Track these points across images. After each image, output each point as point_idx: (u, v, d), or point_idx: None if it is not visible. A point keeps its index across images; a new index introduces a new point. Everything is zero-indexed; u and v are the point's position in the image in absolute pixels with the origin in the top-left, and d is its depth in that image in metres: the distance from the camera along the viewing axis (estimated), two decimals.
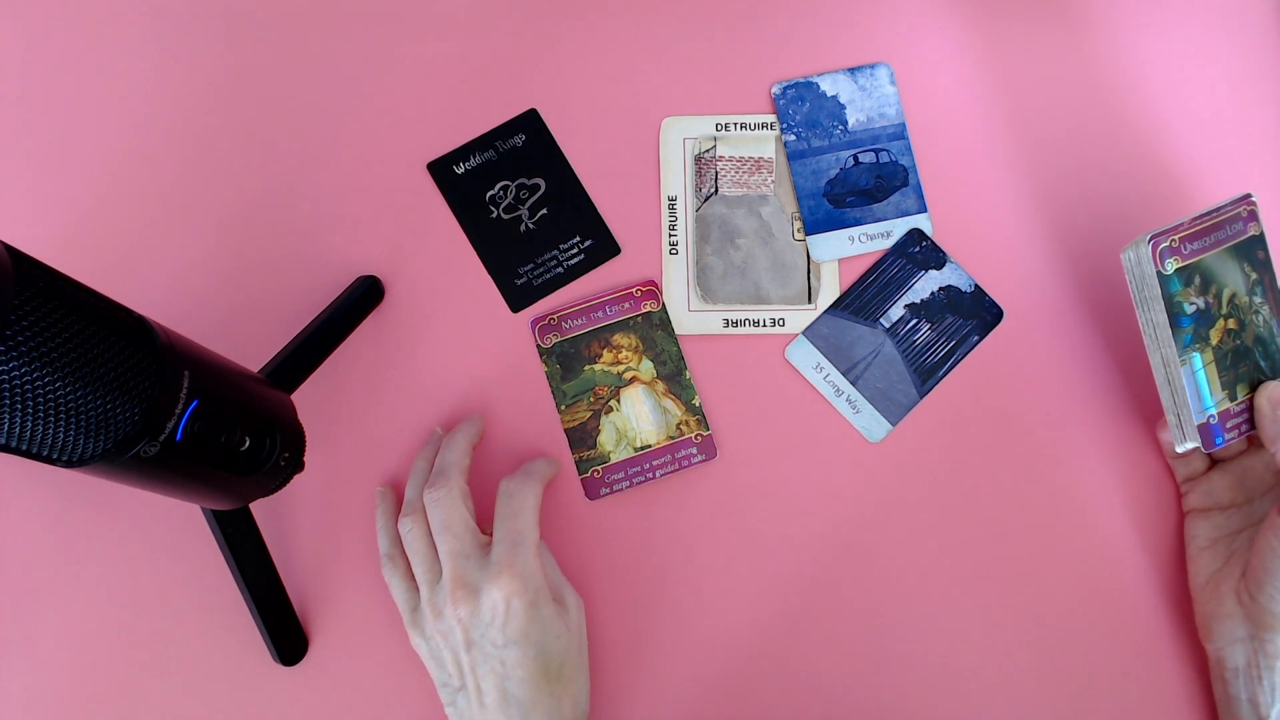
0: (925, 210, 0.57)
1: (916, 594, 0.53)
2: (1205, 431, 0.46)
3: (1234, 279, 0.47)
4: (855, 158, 0.58)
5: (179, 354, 0.38)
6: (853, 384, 0.55)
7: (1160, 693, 0.51)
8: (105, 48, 0.60)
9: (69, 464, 0.35)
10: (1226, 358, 0.47)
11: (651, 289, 0.56)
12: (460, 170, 0.58)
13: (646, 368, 0.55)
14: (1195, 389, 0.46)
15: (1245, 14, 0.60)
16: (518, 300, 0.56)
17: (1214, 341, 0.46)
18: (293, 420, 0.47)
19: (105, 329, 0.34)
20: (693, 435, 0.54)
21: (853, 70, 0.59)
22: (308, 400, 0.53)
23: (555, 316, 0.56)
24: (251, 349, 0.52)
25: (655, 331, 0.56)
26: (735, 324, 0.56)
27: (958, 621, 0.52)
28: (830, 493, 0.54)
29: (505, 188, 0.58)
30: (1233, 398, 0.47)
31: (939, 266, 0.57)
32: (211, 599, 0.52)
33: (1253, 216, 0.48)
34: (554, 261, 0.57)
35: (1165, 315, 0.46)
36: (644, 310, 0.56)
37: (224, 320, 0.56)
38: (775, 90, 0.59)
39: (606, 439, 0.54)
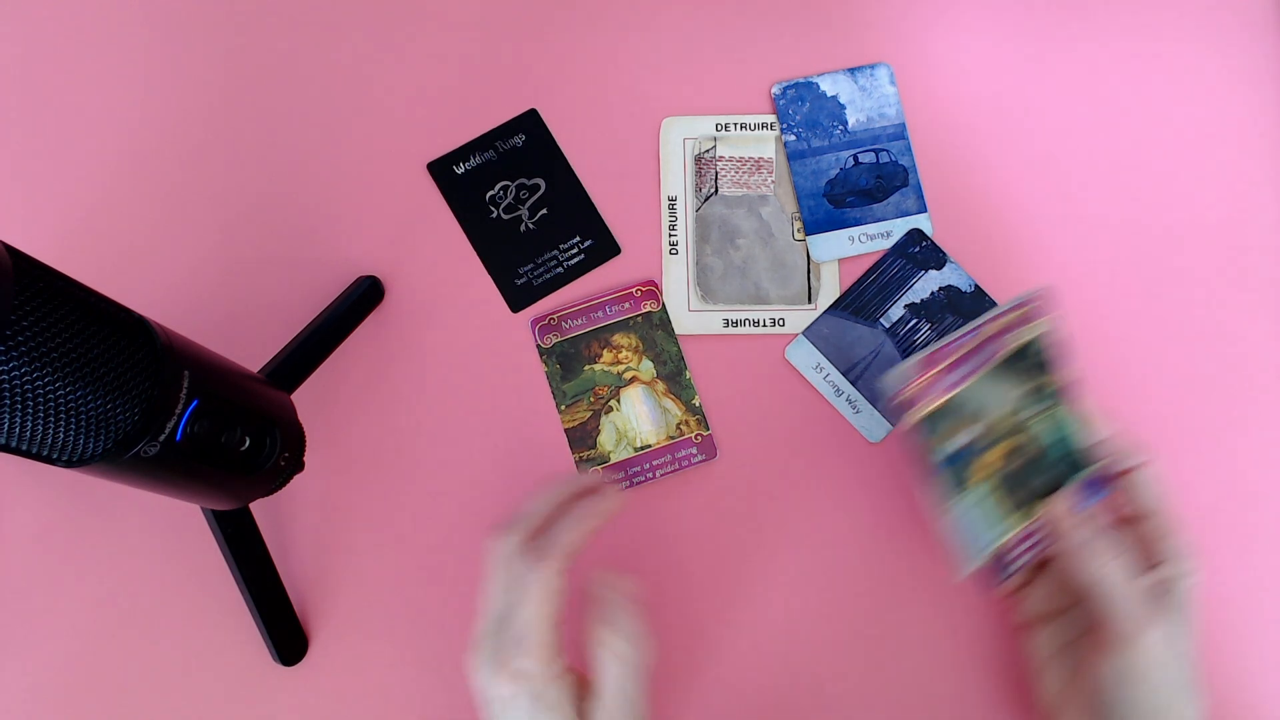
0: (925, 210, 0.57)
1: (916, 594, 0.53)
2: (984, 573, 0.42)
3: (1001, 399, 0.42)
4: (855, 158, 0.58)
5: (179, 354, 0.38)
6: (853, 384, 0.55)
7: None
8: (105, 48, 0.60)
9: (69, 464, 0.35)
10: (1008, 481, 0.42)
11: (651, 289, 0.56)
12: (460, 170, 0.58)
13: (646, 368, 0.55)
14: (972, 527, 0.42)
15: (1243, 15, 0.60)
16: (518, 300, 0.56)
17: (985, 474, 0.42)
18: (293, 420, 0.47)
19: (105, 329, 0.34)
20: (693, 435, 0.54)
21: (853, 70, 0.59)
22: (308, 400, 0.53)
23: (555, 316, 0.56)
24: (251, 349, 0.52)
25: (655, 331, 0.56)
26: (735, 324, 0.56)
27: (958, 621, 0.52)
28: (830, 493, 0.54)
29: (505, 188, 0.58)
30: (1012, 527, 0.42)
31: (939, 266, 0.57)
32: (211, 599, 0.52)
33: (1039, 313, 0.42)
34: (554, 261, 0.57)
35: (931, 459, 0.42)
36: (644, 310, 0.56)
37: (224, 320, 0.56)
38: (775, 90, 0.59)
39: (606, 439, 0.54)
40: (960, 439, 0.41)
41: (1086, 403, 0.43)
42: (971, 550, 0.42)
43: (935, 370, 0.41)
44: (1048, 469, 0.42)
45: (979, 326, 0.42)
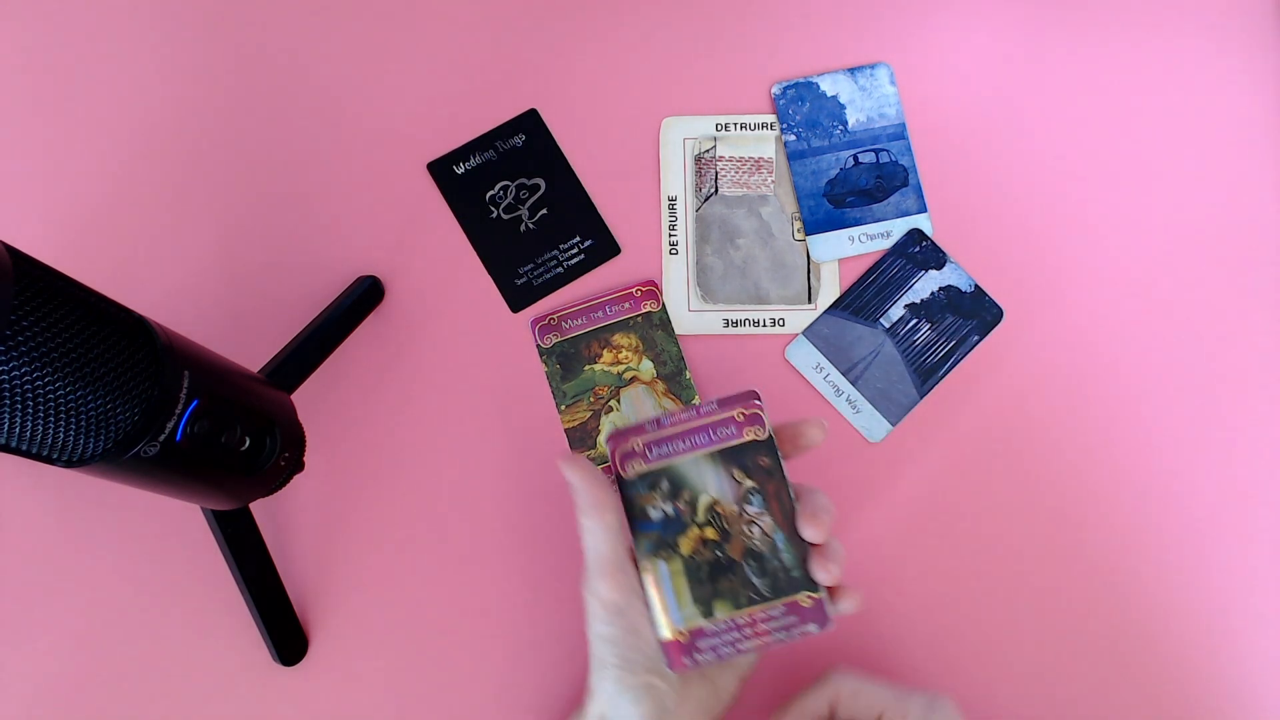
0: (925, 210, 0.57)
1: (916, 593, 0.53)
2: (671, 650, 0.41)
3: (715, 486, 0.42)
4: (855, 158, 0.58)
5: (179, 354, 0.38)
6: (853, 384, 0.55)
7: (1161, 688, 0.51)
8: (106, 49, 0.60)
9: (69, 464, 0.35)
10: (701, 570, 0.41)
11: (651, 289, 0.56)
12: (460, 170, 0.58)
13: (646, 368, 0.55)
14: (662, 599, 0.41)
15: (1243, 15, 0.60)
16: (518, 300, 0.56)
17: (685, 551, 0.42)
18: (293, 420, 0.47)
19: (105, 329, 0.34)
20: None
21: (853, 70, 0.59)
22: (308, 400, 0.53)
23: (555, 316, 0.56)
24: (251, 349, 0.52)
25: (655, 331, 0.56)
26: (735, 324, 0.56)
27: (957, 620, 0.52)
28: (830, 493, 0.54)
29: (505, 188, 0.58)
30: (707, 614, 0.41)
31: (939, 266, 0.57)
32: (211, 599, 0.52)
33: (752, 421, 0.42)
34: (554, 261, 0.57)
35: (629, 520, 0.42)
36: (644, 310, 0.56)
37: (224, 320, 0.56)
38: (775, 90, 0.59)
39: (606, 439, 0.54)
40: (665, 508, 0.42)
41: (808, 524, 0.41)
42: (659, 622, 0.41)
43: (655, 435, 0.42)
44: (746, 575, 0.42)
45: (697, 409, 0.43)
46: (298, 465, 0.47)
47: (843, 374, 0.55)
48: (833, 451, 0.54)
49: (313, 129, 0.59)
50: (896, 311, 0.56)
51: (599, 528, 0.41)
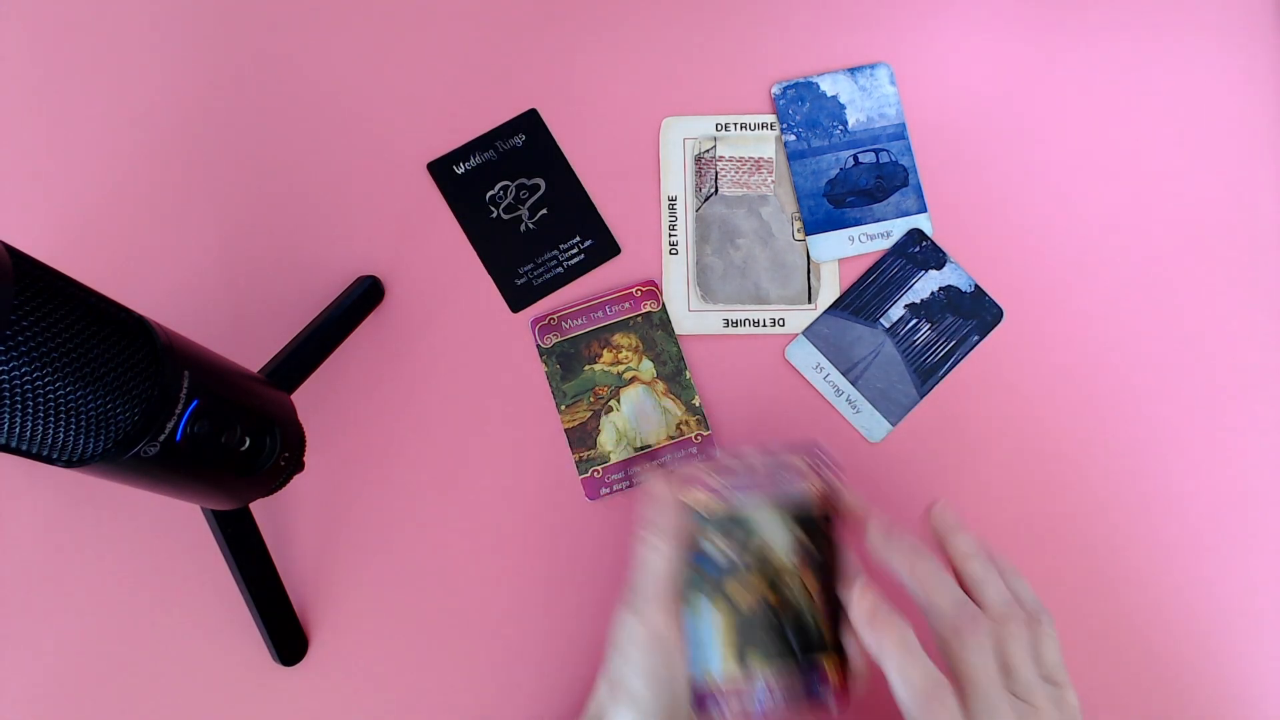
0: (925, 210, 0.57)
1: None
2: (703, 695, 0.40)
3: (780, 541, 0.41)
4: (855, 158, 0.58)
5: (179, 354, 0.38)
6: (853, 384, 0.55)
7: (1161, 688, 0.51)
8: (106, 49, 0.60)
9: (69, 464, 0.35)
10: (747, 621, 0.40)
11: (651, 289, 0.56)
12: (460, 170, 0.58)
13: (646, 368, 0.55)
14: (699, 639, 0.40)
15: (1243, 15, 0.60)
16: (518, 300, 0.56)
17: (736, 599, 0.40)
18: (293, 420, 0.47)
19: (105, 329, 0.34)
20: (693, 435, 0.54)
21: (853, 70, 0.59)
22: (308, 400, 0.53)
23: (555, 316, 0.56)
24: (251, 349, 0.52)
25: (655, 331, 0.56)
26: (735, 324, 0.56)
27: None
28: None
29: (505, 188, 0.58)
30: (743, 665, 0.40)
31: (939, 266, 0.57)
32: (211, 599, 0.52)
33: (824, 478, 0.41)
34: (554, 261, 0.57)
35: (688, 549, 0.41)
36: (644, 310, 0.56)
37: (224, 320, 0.56)
38: (775, 90, 0.59)
39: (606, 439, 0.54)
40: (728, 551, 0.41)
41: (859, 594, 0.40)
42: (699, 658, 0.40)
43: (730, 481, 0.41)
44: (773, 631, 0.41)
45: (778, 456, 0.42)
46: (298, 465, 0.47)
47: (843, 374, 0.55)
48: (833, 451, 0.54)
49: (313, 129, 0.59)
50: (896, 311, 0.56)
51: (670, 551, 0.40)
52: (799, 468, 0.42)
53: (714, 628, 0.40)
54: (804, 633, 0.41)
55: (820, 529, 0.41)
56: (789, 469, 0.42)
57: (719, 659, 0.40)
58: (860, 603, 0.40)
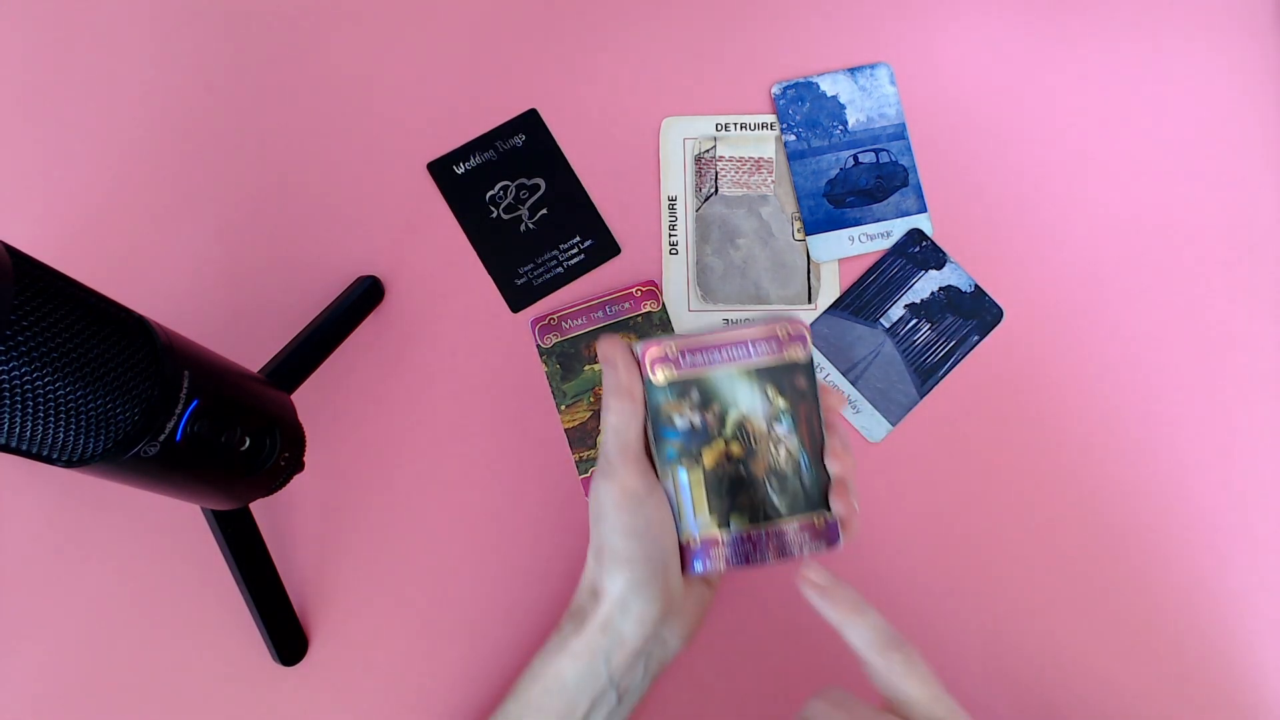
0: (925, 210, 0.57)
1: (915, 593, 0.53)
2: (689, 553, 0.42)
3: (747, 402, 0.42)
4: (855, 158, 0.58)
5: (179, 354, 0.38)
6: (853, 384, 0.55)
7: (1160, 688, 0.51)
8: (106, 49, 0.60)
9: (69, 464, 0.35)
10: (721, 483, 0.42)
11: (651, 289, 0.56)
12: (460, 170, 0.58)
13: None
14: (680, 505, 0.42)
15: (1243, 15, 0.60)
16: (518, 300, 0.56)
17: (707, 463, 0.42)
18: (293, 420, 0.47)
19: (105, 329, 0.34)
20: None
21: (853, 70, 0.59)
22: (308, 400, 0.53)
23: (555, 316, 0.56)
24: (251, 349, 0.52)
25: (655, 331, 0.56)
26: (735, 324, 0.56)
27: (958, 620, 0.52)
28: None
29: (505, 188, 0.58)
30: (723, 524, 0.42)
31: (939, 266, 0.57)
32: (211, 599, 0.52)
33: (795, 340, 0.42)
34: (554, 261, 0.57)
35: (653, 424, 0.42)
36: (644, 310, 0.56)
37: (224, 320, 0.56)
38: (775, 90, 0.59)
39: None
40: (692, 418, 0.42)
41: (837, 460, 0.42)
42: (681, 525, 0.42)
43: (691, 343, 0.42)
44: (766, 494, 0.42)
45: (742, 325, 0.43)
46: (298, 465, 0.47)
47: (843, 374, 0.55)
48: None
49: (313, 129, 0.59)
50: (896, 311, 0.56)
51: (629, 410, 0.41)
52: (778, 335, 0.43)
53: (691, 492, 0.42)
54: (788, 492, 0.42)
55: (800, 393, 0.42)
56: (768, 338, 0.42)
57: (702, 522, 0.42)
58: (844, 460, 0.42)
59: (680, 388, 0.42)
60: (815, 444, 0.42)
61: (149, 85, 0.59)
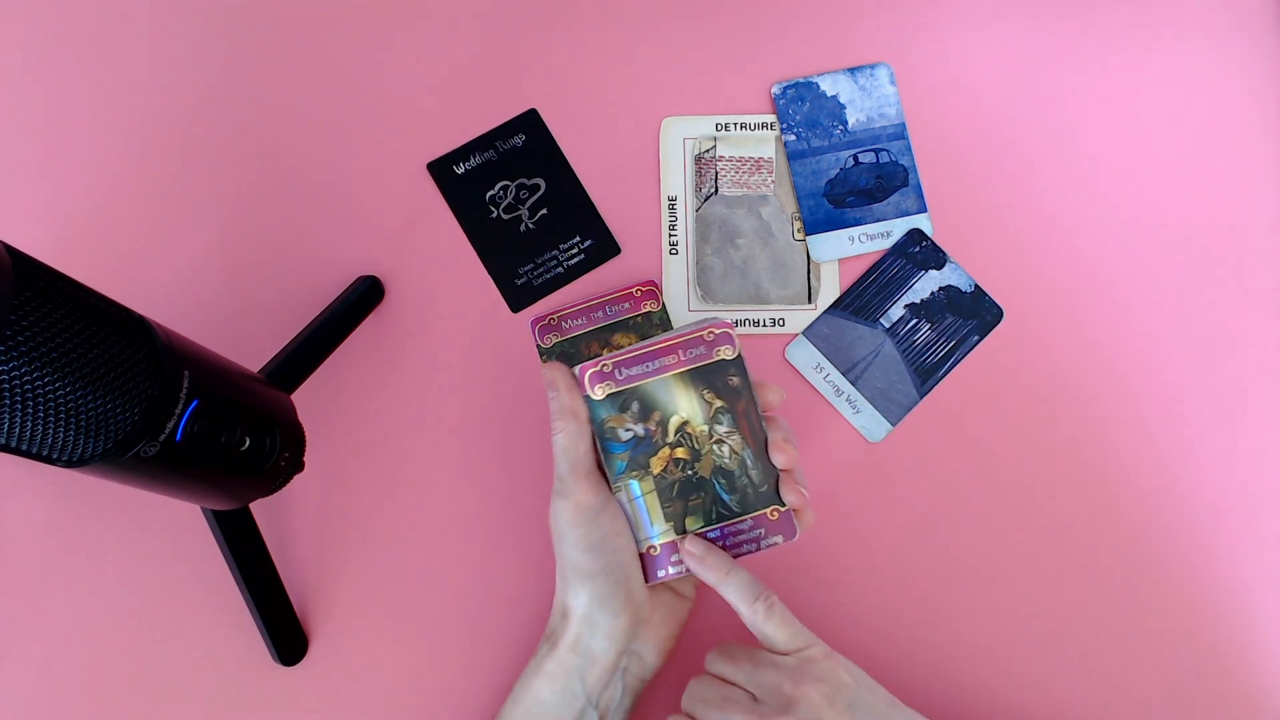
0: (925, 210, 0.57)
1: (915, 593, 0.53)
2: (648, 562, 0.44)
3: (685, 406, 0.44)
4: (855, 158, 0.58)
5: (179, 354, 0.38)
6: (853, 384, 0.55)
7: (1161, 688, 0.51)
8: (105, 48, 0.60)
9: (69, 464, 0.35)
10: (672, 489, 0.44)
11: (651, 289, 0.56)
12: (460, 170, 0.58)
13: None
14: (635, 516, 0.44)
15: (1243, 15, 0.60)
16: (518, 300, 0.56)
17: (655, 470, 0.43)
18: (293, 420, 0.47)
19: (105, 329, 0.34)
20: None
21: (853, 70, 0.59)
22: (308, 400, 0.53)
23: (555, 316, 0.56)
24: (251, 349, 0.52)
25: (655, 331, 0.56)
26: (735, 324, 0.56)
27: (957, 620, 0.52)
28: (830, 493, 0.54)
29: (505, 188, 0.58)
30: (679, 530, 0.44)
31: (939, 266, 0.57)
32: (211, 599, 0.52)
33: (722, 340, 0.44)
34: (554, 261, 0.57)
35: (600, 440, 0.44)
36: (644, 310, 0.56)
37: (224, 320, 0.56)
38: (775, 90, 0.59)
39: None
40: (635, 429, 0.44)
41: (779, 453, 0.44)
42: (639, 534, 0.44)
43: (624, 357, 0.44)
44: (716, 492, 0.44)
45: (670, 334, 0.45)
46: (298, 465, 0.47)
47: (843, 374, 0.55)
48: (833, 451, 0.54)
49: (313, 129, 0.59)
50: (896, 311, 0.56)
51: (574, 429, 0.43)
52: (704, 338, 0.44)
53: (645, 501, 0.44)
54: (737, 490, 0.44)
55: (734, 390, 0.44)
56: (695, 342, 0.44)
57: (659, 529, 0.44)
58: (788, 452, 0.44)
59: (620, 401, 0.44)
60: (758, 439, 0.44)
61: (149, 85, 0.59)
